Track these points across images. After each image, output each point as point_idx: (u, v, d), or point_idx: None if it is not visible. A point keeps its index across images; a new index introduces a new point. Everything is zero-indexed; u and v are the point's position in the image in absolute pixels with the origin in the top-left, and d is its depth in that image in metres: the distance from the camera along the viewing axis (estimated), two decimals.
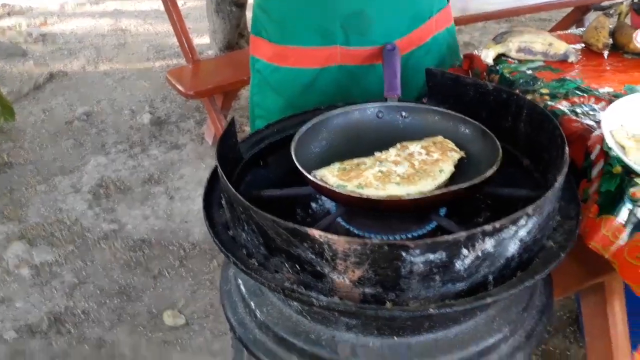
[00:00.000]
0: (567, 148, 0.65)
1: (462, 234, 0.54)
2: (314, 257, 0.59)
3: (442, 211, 0.75)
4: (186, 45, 2.21)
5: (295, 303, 0.69)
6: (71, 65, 3.46)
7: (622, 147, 0.67)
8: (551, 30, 1.78)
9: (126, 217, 2.08)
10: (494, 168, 0.66)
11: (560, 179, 0.60)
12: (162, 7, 2.26)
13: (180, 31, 2.18)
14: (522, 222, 0.57)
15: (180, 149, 2.50)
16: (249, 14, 3.54)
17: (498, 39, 0.97)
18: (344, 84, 1.03)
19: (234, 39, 3.24)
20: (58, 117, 2.83)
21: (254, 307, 0.75)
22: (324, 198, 0.82)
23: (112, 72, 3.35)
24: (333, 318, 0.66)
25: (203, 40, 3.55)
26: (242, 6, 3.25)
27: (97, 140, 2.59)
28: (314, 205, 0.86)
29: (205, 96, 2.09)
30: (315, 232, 0.57)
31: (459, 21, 2.86)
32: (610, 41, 0.98)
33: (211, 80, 2.12)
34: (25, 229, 2.05)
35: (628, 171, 0.66)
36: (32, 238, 2.01)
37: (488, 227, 0.55)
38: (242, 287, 0.79)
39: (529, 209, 0.57)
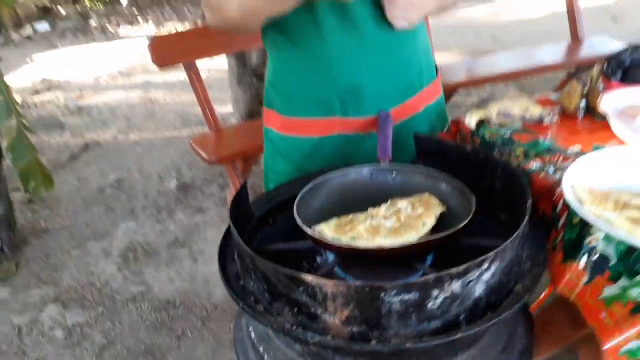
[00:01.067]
0: (528, 202, 0.75)
1: (431, 276, 0.64)
2: (308, 299, 0.69)
3: (429, 260, 0.84)
4: (209, 114, 2.39)
5: (297, 346, 0.78)
6: (104, 135, 3.72)
7: (580, 200, 0.77)
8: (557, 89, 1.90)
9: (152, 279, 2.20)
10: (464, 222, 0.76)
11: (518, 231, 0.70)
12: (187, 79, 2.46)
13: (204, 101, 2.37)
14: (485, 266, 0.66)
15: (204, 212, 2.64)
16: None
17: (481, 105, 1.08)
18: (344, 149, 1.15)
19: (255, 108, 3.45)
20: (91, 184, 3.03)
21: (262, 351, 0.84)
22: (326, 252, 0.92)
23: (142, 140, 3.58)
24: (329, 357, 0.75)
25: (226, 109, 3.78)
26: (261, 77, 3.48)
27: (127, 206, 2.75)
28: (318, 258, 0.96)
29: (226, 162, 2.24)
30: (309, 277, 0.67)
31: (467, 83, 3.05)
32: (583, 104, 1.08)
33: (232, 147, 2.27)
34: (60, 292, 2.18)
35: (585, 222, 0.75)
36: (65, 301, 2.13)
37: (454, 270, 0.64)
38: (252, 333, 0.88)
39: (491, 255, 0.66)
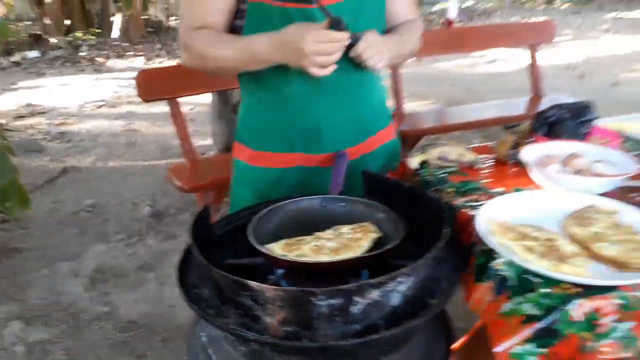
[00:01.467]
0: (443, 230, 0.88)
1: (353, 285, 0.76)
2: (252, 303, 0.80)
3: (364, 277, 0.96)
4: (187, 145, 2.51)
5: (241, 347, 0.88)
6: (83, 161, 3.81)
7: (490, 232, 0.90)
8: None
9: (118, 301, 2.25)
10: (391, 245, 0.89)
11: (429, 253, 0.83)
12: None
13: (182, 130, 2.50)
14: (400, 279, 0.79)
15: (175, 239, 2.72)
16: None
17: (423, 149, 1.23)
18: (304, 180, 1.28)
19: (233, 142, 3.58)
20: (66, 208, 3.09)
21: (211, 353, 0.94)
22: (275, 268, 1.04)
23: (120, 168, 3.68)
24: (268, 357, 0.85)
25: (207, 142, 3.91)
26: None
27: (100, 230, 2.82)
28: (270, 276, 1.07)
29: (199, 191, 2.35)
30: (252, 283, 0.78)
31: (436, 130, 3.24)
32: (512, 153, 1.24)
33: (206, 177, 2.39)
34: (24, 309, 2.22)
35: (492, 249, 0.88)
36: (29, 318, 2.17)
37: (373, 281, 0.77)
38: (203, 338, 0.98)
39: (405, 270, 0.79)
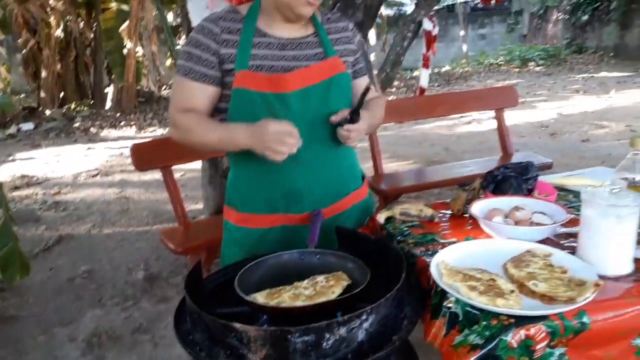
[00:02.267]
0: (402, 276, 1.04)
1: (323, 323, 0.91)
2: (237, 343, 0.94)
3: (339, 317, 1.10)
4: (179, 209, 2.67)
5: None
6: (78, 229, 3.93)
7: (441, 274, 1.06)
8: None
9: None
10: (357, 290, 1.04)
11: (389, 294, 0.98)
12: (162, 178, 2.76)
13: (175, 198, 2.66)
14: (364, 317, 0.94)
15: (168, 301, 2.82)
16: None
17: (388, 207, 1.41)
18: (286, 237, 1.44)
19: (223, 205, 3.74)
20: (62, 274, 3.19)
21: None
22: (260, 315, 1.18)
23: (114, 234, 3.81)
24: None
25: (198, 206, 4.08)
26: None
27: (95, 295, 2.92)
28: (257, 322, 1.21)
29: (191, 253, 2.49)
30: (237, 325, 0.93)
31: (413, 188, 3.44)
32: (465, 208, 1.41)
33: (198, 239, 2.54)
34: None
35: (444, 290, 1.04)
36: None
37: (340, 319, 0.91)
38: None
39: (367, 309, 0.94)
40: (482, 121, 7.06)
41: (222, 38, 1.34)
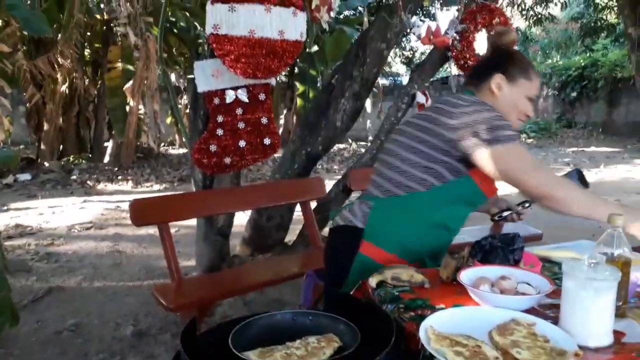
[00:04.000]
0: (392, 340, 1.08)
1: None
2: None
3: None
4: (173, 265, 2.70)
5: None
6: (69, 281, 3.91)
7: (429, 339, 1.10)
8: None
9: None
10: (347, 352, 1.08)
11: (378, 357, 1.02)
12: (157, 233, 2.80)
13: (170, 254, 2.69)
14: None
15: (155, 359, 2.78)
16: (233, 241, 4.13)
17: (380, 271, 1.46)
18: None
19: (217, 262, 3.78)
20: (49, 327, 3.15)
21: None
22: None
23: (105, 288, 3.79)
24: None
25: (190, 263, 4.08)
26: (226, 236, 3.87)
27: (82, 350, 2.88)
28: None
29: (183, 310, 2.49)
30: None
31: None
32: (454, 275, 1.47)
33: (190, 296, 2.55)
34: None
35: (432, 354, 1.07)
36: None
37: None
38: None
39: None
40: None
41: None
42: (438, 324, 1.17)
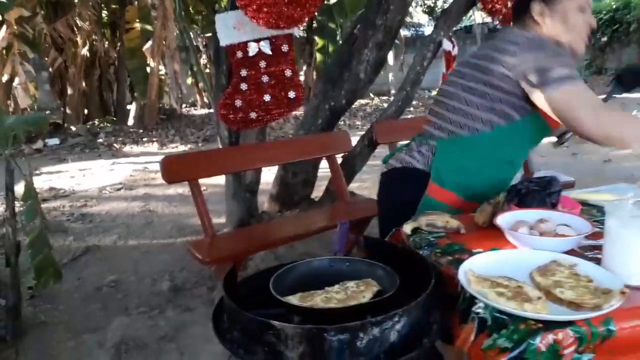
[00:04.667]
0: (432, 282, 1.08)
1: (357, 323, 0.96)
2: (275, 340, 0.99)
3: None
4: (206, 221, 2.74)
5: None
6: (104, 240, 4.03)
7: (469, 281, 1.10)
8: None
9: None
10: (387, 294, 1.09)
11: (419, 298, 1.03)
12: (186, 192, 2.86)
13: (202, 210, 2.74)
14: (396, 319, 0.98)
15: (192, 311, 2.88)
16: (260, 198, 4.17)
17: (414, 218, 1.46)
18: None
19: (246, 219, 3.83)
20: (89, 284, 3.27)
21: None
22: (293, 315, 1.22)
23: (139, 246, 3.89)
24: None
25: (220, 220, 4.15)
26: (254, 193, 3.90)
27: (122, 304, 2.99)
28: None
29: (217, 264, 2.55)
30: (276, 322, 0.98)
31: None
32: (490, 220, 1.46)
33: (223, 251, 2.60)
34: None
35: (472, 295, 1.08)
36: None
37: (373, 319, 0.96)
38: None
39: (399, 311, 0.99)
40: None
41: None
42: (477, 267, 1.17)
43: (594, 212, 1.56)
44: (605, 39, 15.03)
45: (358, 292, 1.18)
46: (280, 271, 1.26)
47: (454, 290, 1.17)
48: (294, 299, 1.16)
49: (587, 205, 1.61)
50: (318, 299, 1.15)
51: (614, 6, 14.88)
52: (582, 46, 1.59)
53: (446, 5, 4.54)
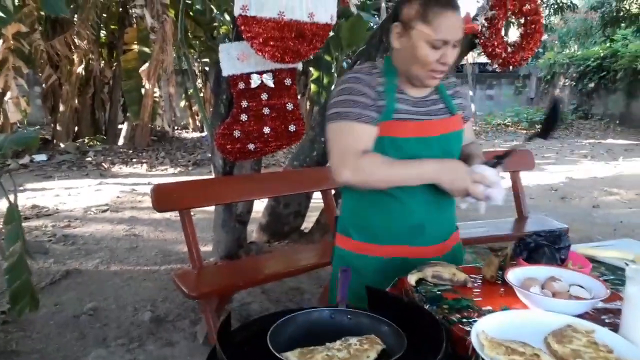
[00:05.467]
0: (444, 345, 1.01)
1: None
2: None
3: None
4: (194, 252, 2.65)
5: None
6: (86, 264, 3.90)
7: (482, 345, 1.04)
8: None
9: None
10: (394, 358, 1.02)
11: None
12: (172, 217, 2.76)
13: (191, 240, 2.64)
14: None
15: (173, 346, 2.75)
16: (249, 228, 4.09)
17: (419, 268, 1.40)
18: (407, 270, 1.43)
19: (234, 249, 3.73)
20: (67, 310, 3.14)
21: None
22: None
23: (122, 272, 3.76)
24: None
25: (206, 248, 4.05)
26: (244, 224, 3.82)
27: (100, 334, 2.86)
28: None
29: (205, 298, 2.45)
30: None
31: None
32: (499, 274, 1.40)
33: (211, 284, 2.50)
34: None
35: None
36: None
37: None
38: None
39: None
40: None
41: (377, 90, 1.47)
42: (489, 329, 1.10)
43: (603, 270, 1.51)
44: (592, 85, 15.35)
45: (362, 350, 1.10)
46: (279, 322, 1.18)
47: (465, 353, 1.10)
48: (293, 357, 1.07)
49: (594, 262, 1.56)
50: (319, 357, 1.07)
51: (602, 54, 15.27)
52: (430, 79, 1.47)
53: None
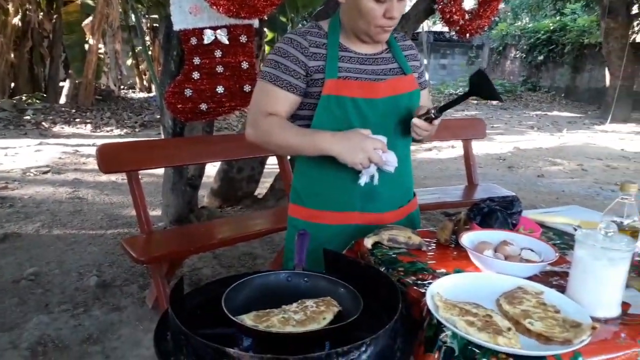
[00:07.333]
0: (399, 306, 1.01)
1: (323, 353, 0.86)
2: None
3: (327, 347, 1.06)
4: (143, 217, 2.56)
5: None
6: (26, 227, 3.71)
7: (436, 307, 1.04)
8: None
9: None
10: (351, 319, 1.01)
11: (388, 325, 0.95)
12: (119, 180, 2.65)
13: (140, 205, 2.55)
14: (363, 348, 0.90)
15: (121, 311, 2.68)
16: (200, 193, 3.99)
17: (375, 232, 1.39)
18: (358, 237, 1.44)
19: (184, 214, 3.65)
20: (5, 275, 2.99)
21: None
22: (245, 338, 1.12)
23: (65, 236, 3.61)
24: None
25: (155, 212, 3.93)
26: (195, 188, 3.72)
27: (42, 300, 2.74)
28: (240, 345, 1.14)
29: (154, 263, 2.38)
30: (232, 350, 0.87)
31: None
32: (452, 238, 1.41)
33: (161, 249, 2.43)
34: None
35: (440, 322, 1.02)
36: None
37: (340, 349, 0.87)
38: None
39: (367, 340, 0.90)
40: (441, 149, 7.23)
41: (310, 51, 1.43)
42: (443, 291, 1.11)
43: (552, 235, 1.55)
44: (541, 57, 15.79)
45: (318, 312, 1.08)
46: (234, 285, 1.14)
47: (419, 315, 1.11)
48: (248, 319, 1.05)
49: (543, 227, 1.60)
50: (275, 320, 1.05)
51: (552, 27, 15.67)
52: (378, 34, 1.43)
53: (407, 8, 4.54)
